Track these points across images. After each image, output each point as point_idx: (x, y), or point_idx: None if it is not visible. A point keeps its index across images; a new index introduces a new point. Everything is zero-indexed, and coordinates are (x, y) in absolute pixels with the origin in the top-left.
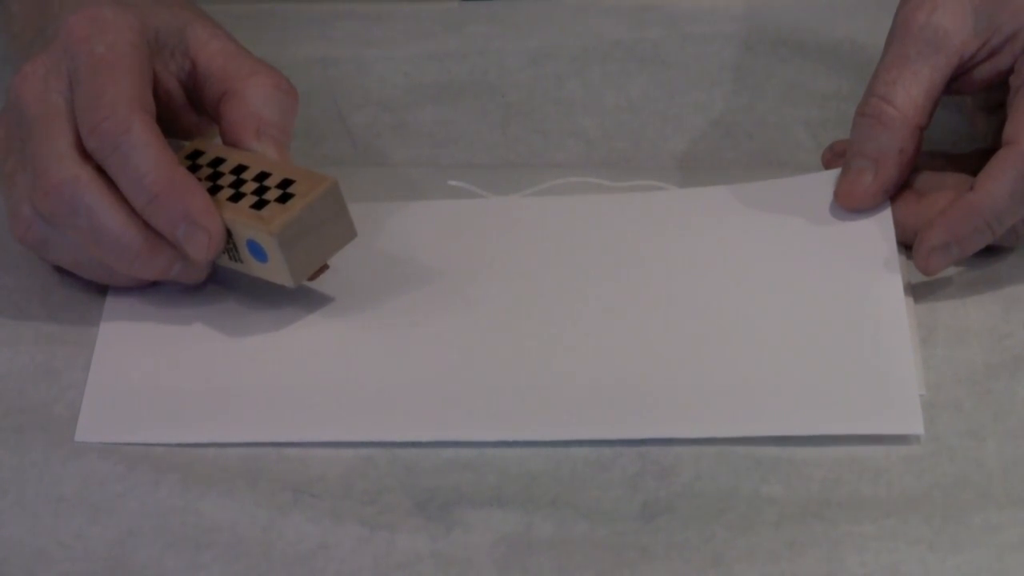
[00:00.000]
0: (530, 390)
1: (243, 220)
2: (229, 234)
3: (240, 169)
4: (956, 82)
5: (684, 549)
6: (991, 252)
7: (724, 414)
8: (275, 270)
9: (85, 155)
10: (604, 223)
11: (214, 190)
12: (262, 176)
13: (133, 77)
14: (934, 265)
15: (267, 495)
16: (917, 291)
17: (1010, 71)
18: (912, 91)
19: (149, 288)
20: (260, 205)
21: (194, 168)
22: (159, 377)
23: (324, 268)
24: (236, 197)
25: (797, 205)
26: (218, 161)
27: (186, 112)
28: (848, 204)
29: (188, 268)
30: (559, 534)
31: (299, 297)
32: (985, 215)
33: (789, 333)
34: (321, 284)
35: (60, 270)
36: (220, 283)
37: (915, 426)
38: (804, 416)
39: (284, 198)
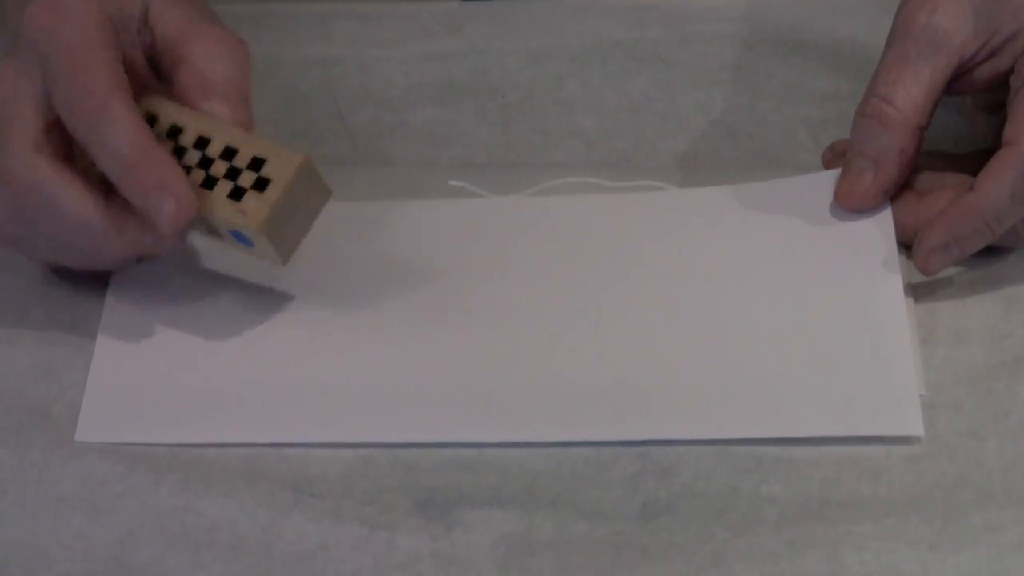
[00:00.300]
0: (530, 391)
1: (223, 213)
2: (206, 219)
3: (203, 143)
4: (956, 82)
5: (684, 549)
6: (991, 252)
7: (724, 415)
8: (263, 254)
9: (47, 146)
10: (604, 223)
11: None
12: (229, 153)
13: (104, 56)
14: (934, 265)
15: (267, 495)
16: (917, 291)
17: (1010, 71)
18: (912, 91)
19: (149, 288)
20: (237, 193)
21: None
22: (159, 377)
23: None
24: (209, 182)
25: (797, 205)
26: (175, 131)
27: (153, 85)
28: (848, 204)
29: (159, 243)
30: (559, 534)
31: (299, 298)
32: (985, 215)
33: (789, 333)
34: (321, 284)
35: (59, 270)
36: (220, 284)
37: (915, 428)
38: (804, 417)
39: (260, 183)
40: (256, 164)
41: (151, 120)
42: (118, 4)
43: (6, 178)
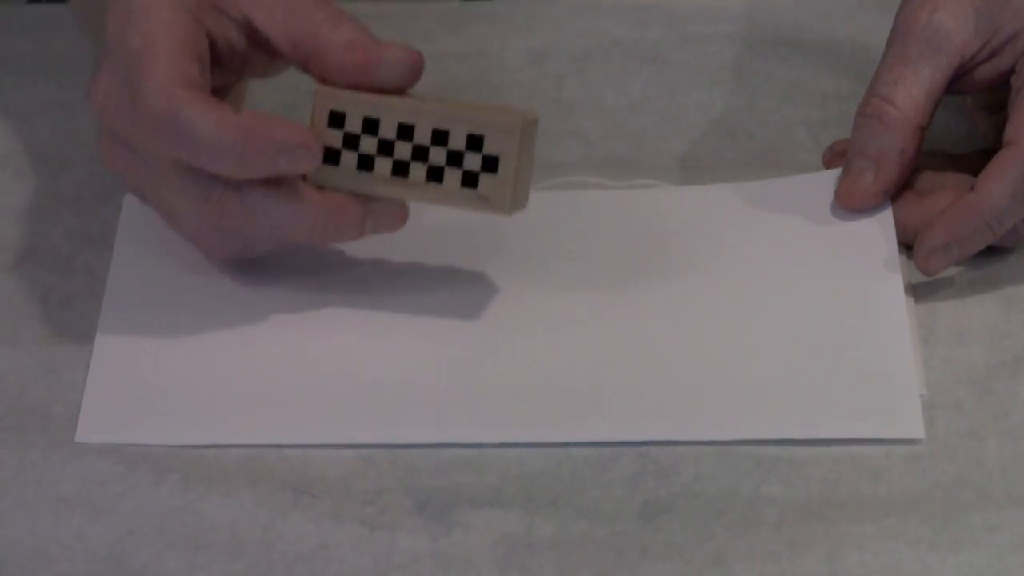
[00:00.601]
0: (530, 391)
1: (465, 205)
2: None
3: (406, 131)
4: (957, 82)
5: (684, 549)
6: (991, 252)
7: (724, 416)
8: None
9: (188, 81)
10: (604, 221)
11: (401, 168)
12: (440, 136)
13: (168, 59)
14: (935, 265)
15: (267, 495)
16: (917, 291)
17: (1011, 71)
18: (913, 91)
19: (148, 288)
20: (470, 180)
21: (351, 142)
22: (159, 378)
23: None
24: (435, 173)
25: (797, 205)
26: (371, 124)
27: (253, 56)
28: (849, 204)
29: (389, 210)
30: (559, 534)
31: (298, 298)
32: (985, 215)
33: (789, 333)
34: (321, 284)
35: (59, 271)
36: (220, 283)
37: (916, 431)
38: (804, 419)
39: (489, 163)
40: (474, 143)
41: (338, 118)
42: None
43: (148, 123)
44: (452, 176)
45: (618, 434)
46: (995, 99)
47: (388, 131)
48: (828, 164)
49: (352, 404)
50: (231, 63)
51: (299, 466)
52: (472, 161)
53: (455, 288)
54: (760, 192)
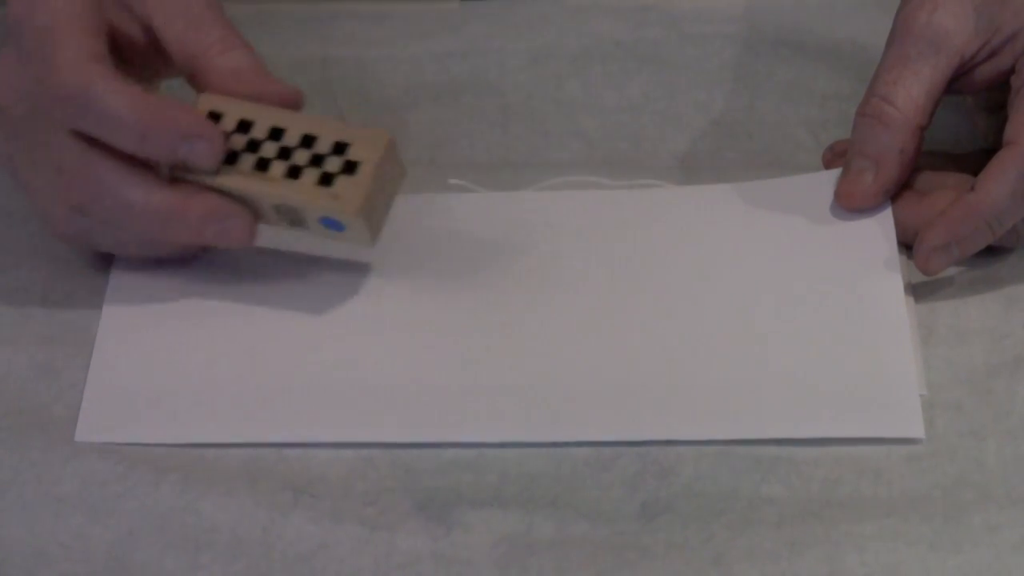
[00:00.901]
0: (530, 390)
1: (316, 200)
2: (295, 209)
3: (277, 133)
4: (957, 82)
5: (684, 549)
6: (991, 252)
7: (724, 416)
8: (352, 237)
9: (99, 57)
10: (603, 221)
11: (263, 164)
12: (308, 140)
13: (79, 36)
14: (934, 265)
15: (267, 495)
16: (917, 291)
17: (1011, 71)
18: (913, 91)
19: (148, 288)
20: (327, 180)
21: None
22: (159, 377)
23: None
24: (294, 171)
25: (797, 205)
26: (246, 125)
27: (153, 56)
28: (849, 204)
29: (230, 225)
30: (559, 534)
31: (298, 297)
32: (985, 215)
33: (789, 333)
34: (320, 283)
35: (58, 270)
36: (219, 284)
37: (916, 430)
38: (804, 418)
39: (350, 167)
40: (340, 148)
41: (216, 118)
42: None
43: (58, 94)
44: (310, 174)
45: (618, 433)
46: (995, 99)
47: (260, 132)
48: (828, 164)
49: (352, 403)
50: (131, 59)
51: (299, 466)
52: (333, 164)
53: (455, 288)
54: (760, 192)
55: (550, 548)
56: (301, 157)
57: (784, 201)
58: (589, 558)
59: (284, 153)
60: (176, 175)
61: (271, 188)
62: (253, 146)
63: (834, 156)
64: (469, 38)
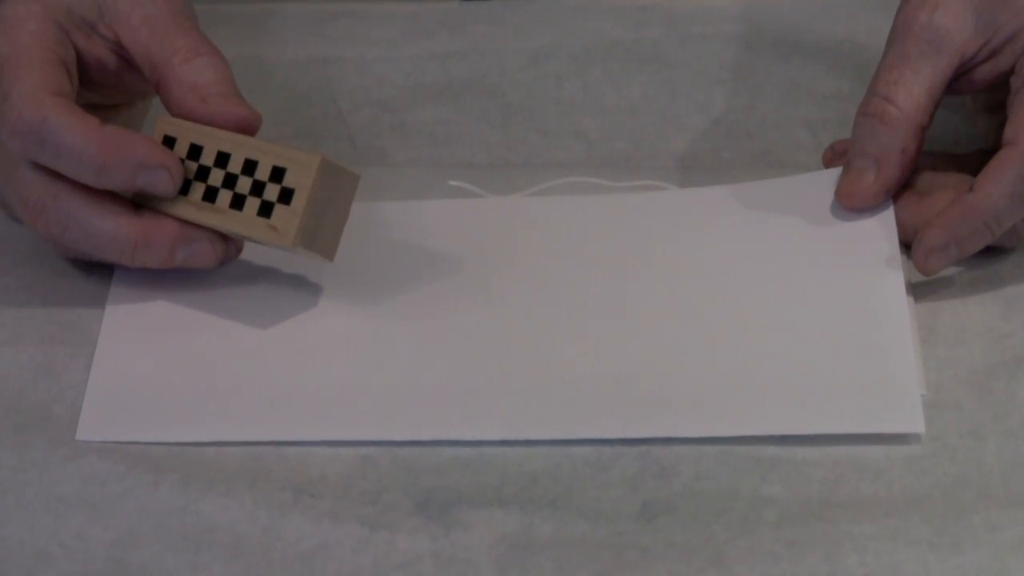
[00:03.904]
0: (530, 389)
1: (255, 233)
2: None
3: (223, 159)
4: (957, 82)
5: (684, 549)
6: (991, 252)
7: (725, 414)
8: (307, 257)
9: (55, 90)
10: (605, 222)
11: (210, 194)
12: (250, 167)
13: (38, 67)
14: (933, 265)
15: (267, 495)
16: (918, 291)
17: (1011, 71)
18: (914, 91)
19: (150, 288)
20: (266, 209)
21: None
22: (160, 376)
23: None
24: (237, 201)
25: (798, 204)
26: (196, 150)
27: (128, 75)
28: (849, 204)
29: (197, 248)
30: (559, 534)
31: (298, 298)
32: (985, 216)
33: (790, 332)
34: (321, 284)
35: (59, 271)
36: (220, 283)
37: (916, 425)
38: (805, 415)
39: (285, 195)
40: (277, 174)
41: (170, 143)
42: (66, 4)
43: (15, 128)
44: (251, 205)
45: (619, 431)
46: (995, 99)
47: (208, 158)
48: (828, 164)
49: (352, 402)
50: (105, 81)
51: (299, 466)
52: (271, 192)
53: (455, 288)
54: (760, 192)
55: (550, 548)
56: (244, 185)
57: (785, 201)
58: (589, 558)
59: (229, 181)
60: (138, 202)
61: (219, 220)
62: (203, 173)
63: (834, 155)
64: (469, 38)
